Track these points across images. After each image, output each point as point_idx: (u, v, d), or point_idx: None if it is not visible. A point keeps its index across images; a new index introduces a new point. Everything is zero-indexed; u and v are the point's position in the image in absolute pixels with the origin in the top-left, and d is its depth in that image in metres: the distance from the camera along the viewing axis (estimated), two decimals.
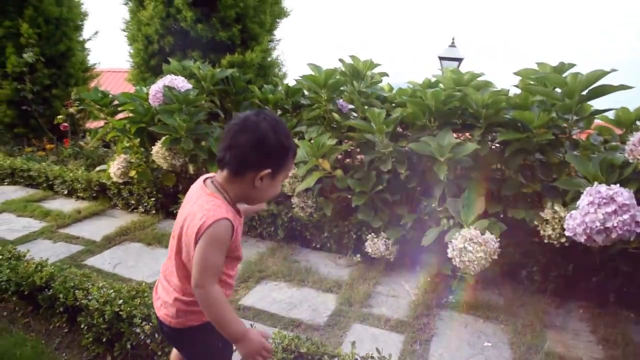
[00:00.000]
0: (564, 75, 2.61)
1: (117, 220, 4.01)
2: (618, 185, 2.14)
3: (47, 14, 6.07)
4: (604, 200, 2.09)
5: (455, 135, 2.99)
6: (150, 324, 2.05)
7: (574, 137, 2.77)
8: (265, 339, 1.31)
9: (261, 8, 4.74)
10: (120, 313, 2.10)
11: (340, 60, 3.37)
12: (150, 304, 2.20)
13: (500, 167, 2.93)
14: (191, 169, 3.78)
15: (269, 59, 5.09)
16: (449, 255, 2.47)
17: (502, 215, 2.84)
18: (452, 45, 6.67)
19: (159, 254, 3.36)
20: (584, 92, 2.47)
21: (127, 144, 4.02)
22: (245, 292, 2.80)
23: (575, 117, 2.62)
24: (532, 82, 2.77)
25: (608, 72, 2.37)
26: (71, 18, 6.46)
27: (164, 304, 1.40)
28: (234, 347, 1.36)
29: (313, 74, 3.28)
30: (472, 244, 2.39)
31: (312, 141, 3.08)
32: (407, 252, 3.06)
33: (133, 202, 4.16)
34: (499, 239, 2.45)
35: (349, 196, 3.15)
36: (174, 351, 1.73)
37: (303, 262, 3.21)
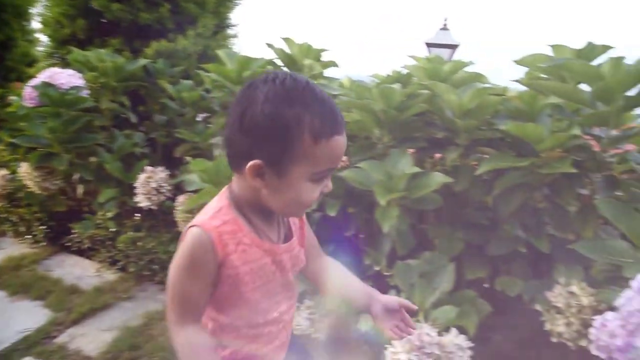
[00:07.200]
0: (595, 63, 1.58)
1: (1, 252, 3.10)
2: None
3: None
4: None
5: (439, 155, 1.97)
6: None
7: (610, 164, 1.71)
8: None
9: None
10: None
11: (269, 45, 2.38)
12: None
13: (489, 205, 1.89)
14: (80, 190, 2.82)
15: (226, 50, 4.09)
16: None
17: (486, 285, 1.81)
18: (444, 28, 5.38)
19: (18, 311, 2.39)
20: (630, 92, 1.42)
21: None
22: None
23: (613, 133, 1.57)
24: (543, 75, 1.74)
25: None
26: (15, 3, 5.60)
27: None
28: None
29: (227, 63, 2.30)
30: (422, 355, 1.36)
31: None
32: None
33: (24, 229, 3.23)
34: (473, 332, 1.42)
35: None
36: None
37: None
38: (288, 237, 0.98)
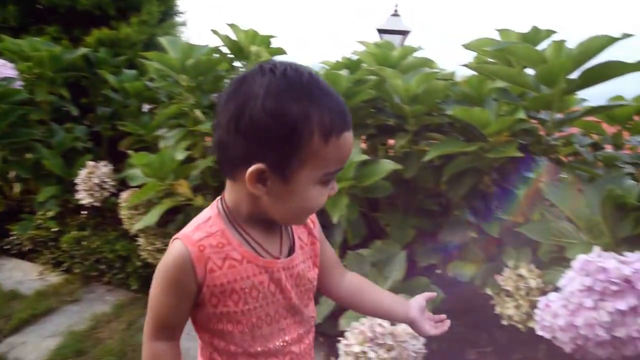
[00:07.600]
0: (540, 47, 1.58)
1: None
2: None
3: None
4: (615, 287, 1.06)
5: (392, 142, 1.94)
6: None
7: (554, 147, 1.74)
8: None
9: None
10: None
11: (214, 31, 2.29)
12: None
13: (440, 191, 1.88)
14: (16, 189, 2.65)
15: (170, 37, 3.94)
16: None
17: (439, 271, 1.81)
18: (395, 14, 5.40)
19: None
20: (572, 76, 1.43)
21: None
22: None
23: (557, 117, 1.58)
24: (490, 60, 1.74)
25: (617, 39, 1.33)
26: None
27: None
28: None
29: (170, 51, 2.19)
30: (375, 346, 1.34)
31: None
32: None
33: None
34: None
35: None
36: None
37: None
38: (292, 252, 0.85)
